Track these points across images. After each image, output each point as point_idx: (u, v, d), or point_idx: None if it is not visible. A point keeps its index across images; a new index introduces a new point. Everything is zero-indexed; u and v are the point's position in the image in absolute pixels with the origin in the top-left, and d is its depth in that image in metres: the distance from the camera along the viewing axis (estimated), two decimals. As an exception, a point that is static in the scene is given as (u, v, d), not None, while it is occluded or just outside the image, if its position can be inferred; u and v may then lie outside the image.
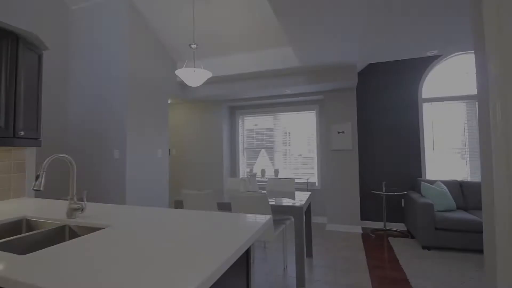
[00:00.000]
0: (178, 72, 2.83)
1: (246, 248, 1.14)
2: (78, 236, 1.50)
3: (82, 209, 1.56)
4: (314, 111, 4.86)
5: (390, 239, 3.83)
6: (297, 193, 3.35)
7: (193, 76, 2.85)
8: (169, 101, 5.00)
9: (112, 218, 1.53)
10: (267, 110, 5.14)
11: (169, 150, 5.42)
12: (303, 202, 2.68)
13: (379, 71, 4.45)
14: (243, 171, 5.31)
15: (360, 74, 4.53)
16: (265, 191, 3.49)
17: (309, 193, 3.29)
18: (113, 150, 3.51)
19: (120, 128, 3.48)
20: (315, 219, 4.75)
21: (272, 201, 2.77)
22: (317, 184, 4.78)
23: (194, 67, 2.83)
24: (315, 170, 4.83)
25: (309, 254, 3.27)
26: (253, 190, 3.14)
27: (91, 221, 1.49)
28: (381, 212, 4.37)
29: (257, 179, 4.93)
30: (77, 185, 3.79)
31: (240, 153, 5.34)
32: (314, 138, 4.85)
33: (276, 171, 4.72)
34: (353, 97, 4.26)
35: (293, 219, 2.64)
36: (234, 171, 5.32)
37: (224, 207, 2.83)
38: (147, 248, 1.03)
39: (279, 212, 2.62)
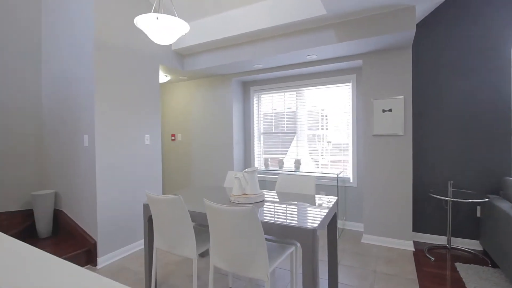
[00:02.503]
0: (136, 20, 1.93)
1: None
2: None
3: None
4: (350, 84, 3.66)
5: (458, 265, 2.63)
6: (318, 196, 2.34)
7: (158, 27, 1.93)
8: (168, 77, 4.19)
9: None
10: (288, 86, 4.06)
11: (175, 135, 4.69)
12: (318, 221, 1.67)
13: (449, 18, 3.06)
14: (259, 160, 4.37)
15: (420, 24, 3.20)
16: (274, 192, 2.53)
17: (335, 199, 2.24)
18: (83, 136, 2.81)
19: (88, 108, 2.75)
20: (347, 225, 3.67)
21: (267, 217, 1.79)
22: (351, 180, 3.66)
23: (158, 12, 1.91)
24: (349, 162, 3.70)
25: (333, 286, 2.27)
26: (252, 193, 2.20)
27: None
28: (444, 223, 3.13)
29: (278, 172, 3.96)
30: (48, 181, 3.23)
31: (255, 139, 4.39)
32: (349, 119, 3.68)
33: (297, 163, 3.69)
34: (407, 60, 2.98)
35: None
36: (248, 161, 4.41)
37: (201, 218, 1.94)
38: None
39: (279, 234, 1.65)
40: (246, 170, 2.23)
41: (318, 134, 3.90)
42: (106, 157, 2.76)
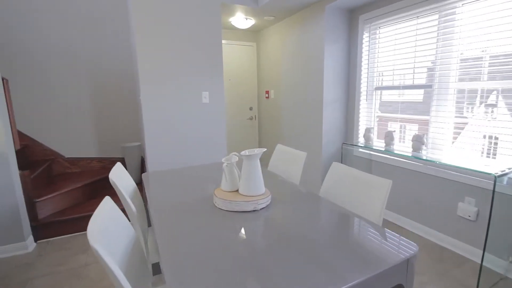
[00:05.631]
0: None
1: None
2: None
3: None
4: None
5: None
6: (390, 233, 1.12)
7: None
8: (251, 20, 3.40)
9: None
10: (424, 2, 2.26)
11: (268, 92, 4.00)
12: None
13: None
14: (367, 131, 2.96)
15: None
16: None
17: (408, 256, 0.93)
18: (139, 91, 2.73)
19: (136, 61, 2.57)
20: (518, 273, 1.85)
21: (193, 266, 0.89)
22: (547, 190, 1.70)
23: None
24: (549, 151, 1.70)
25: None
26: (246, 194, 1.29)
27: None
28: None
29: (388, 151, 2.52)
30: (138, 134, 3.48)
31: (362, 97, 2.95)
32: None
33: (418, 141, 2.17)
34: None
35: None
36: (350, 129, 3.11)
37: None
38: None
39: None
40: (243, 152, 1.31)
41: (475, 89, 2.02)
42: (153, 115, 2.57)
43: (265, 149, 1.35)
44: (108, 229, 0.96)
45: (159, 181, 1.71)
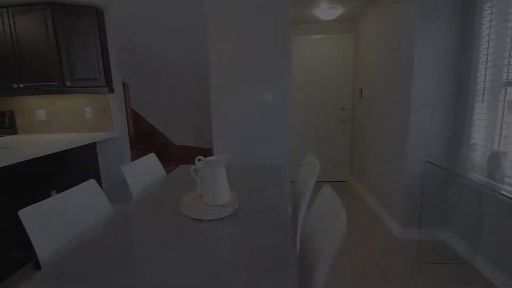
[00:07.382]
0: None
1: None
2: None
3: None
4: None
5: None
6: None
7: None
8: (338, 9, 2.96)
9: None
10: None
11: (361, 90, 3.40)
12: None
13: None
14: (485, 146, 2.00)
15: None
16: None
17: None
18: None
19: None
20: None
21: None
22: None
23: None
24: None
25: None
26: (209, 202, 1.22)
27: None
28: None
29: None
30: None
31: (477, 97, 2.00)
32: None
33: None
34: None
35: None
36: (460, 138, 2.18)
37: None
38: None
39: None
40: (208, 158, 1.27)
41: None
42: (220, 115, 2.80)
43: (229, 157, 1.23)
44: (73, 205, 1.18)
45: (174, 176, 1.87)
